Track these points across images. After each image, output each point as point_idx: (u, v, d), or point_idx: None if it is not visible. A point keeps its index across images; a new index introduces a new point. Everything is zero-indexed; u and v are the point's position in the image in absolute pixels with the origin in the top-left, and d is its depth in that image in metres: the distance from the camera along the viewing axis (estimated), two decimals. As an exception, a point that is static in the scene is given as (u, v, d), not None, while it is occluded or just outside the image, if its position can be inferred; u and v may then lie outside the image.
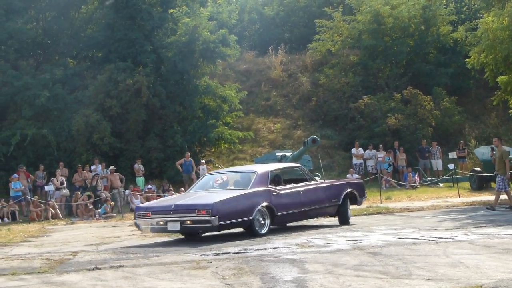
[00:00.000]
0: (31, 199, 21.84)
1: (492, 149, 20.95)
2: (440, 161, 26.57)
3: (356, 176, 24.34)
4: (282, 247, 10.38)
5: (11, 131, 25.41)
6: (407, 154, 26.88)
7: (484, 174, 22.21)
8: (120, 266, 9.27)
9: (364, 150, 26.74)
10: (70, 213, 22.41)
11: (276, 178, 13.41)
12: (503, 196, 16.68)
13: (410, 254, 8.99)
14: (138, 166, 25.01)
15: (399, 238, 10.99)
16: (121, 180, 24.31)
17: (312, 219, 14.88)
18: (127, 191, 23.14)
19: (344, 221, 14.19)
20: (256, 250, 10.19)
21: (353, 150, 26.88)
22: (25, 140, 25.13)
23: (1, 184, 24.71)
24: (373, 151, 26.59)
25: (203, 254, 10.06)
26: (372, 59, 31.81)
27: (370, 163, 26.47)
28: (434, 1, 32.81)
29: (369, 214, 16.76)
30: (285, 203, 12.98)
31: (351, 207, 14.77)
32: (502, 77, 22.42)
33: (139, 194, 22.71)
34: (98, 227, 17.74)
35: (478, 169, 23.35)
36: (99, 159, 24.97)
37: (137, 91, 26.01)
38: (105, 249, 11.79)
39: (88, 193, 22.44)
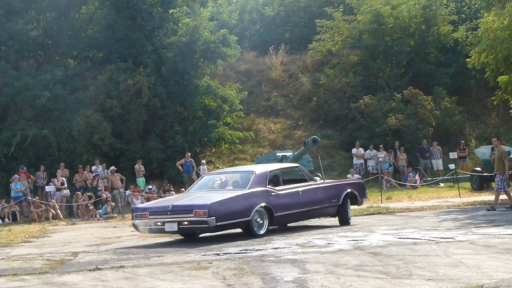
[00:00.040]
0: (31, 199, 21.82)
1: (492, 149, 20.94)
2: (440, 161, 26.57)
3: (356, 176, 24.35)
4: (282, 247, 10.36)
5: (12, 132, 25.43)
6: (408, 154, 26.87)
7: (485, 174, 22.19)
8: (121, 266, 9.27)
9: (365, 150, 26.73)
10: (71, 213, 22.44)
11: (275, 179, 13.36)
12: (503, 196, 16.67)
13: (410, 254, 8.98)
14: (139, 167, 25.02)
15: (400, 238, 10.98)
16: (121, 180, 24.32)
17: (313, 219, 14.86)
18: (127, 192, 23.16)
19: (345, 221, 14.14)
20: (256, 250, 10.18)
21: (354, 150, 26.88)
22: (25, 140, 25.15)
23: (1, 185, 24.71)
24: (374, 151, 26.58)
25: (204, 255, 10.06)
26: (373, 59, 31.81)
27: (371, 163, 26.47)
28: (435, 1, 32.80)
29: (369, 214, 16.75)
30: (284, 203, 12.90)
31: (352, 207, 14.74)
32: (503, 77, 22.38)
33: (140, 195, 22.71)
34: (98, 228, 17.75)
35: (478, 169, 23.34)
36: (100, 159, 24.98)
37: (138, 91, 26.02)
38: (106, 249, 11.79)
39: (88, 193, 22.44)
